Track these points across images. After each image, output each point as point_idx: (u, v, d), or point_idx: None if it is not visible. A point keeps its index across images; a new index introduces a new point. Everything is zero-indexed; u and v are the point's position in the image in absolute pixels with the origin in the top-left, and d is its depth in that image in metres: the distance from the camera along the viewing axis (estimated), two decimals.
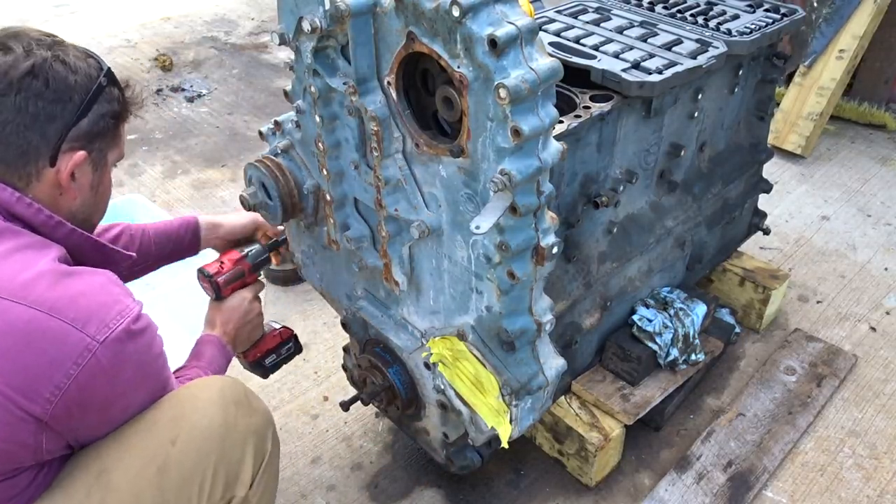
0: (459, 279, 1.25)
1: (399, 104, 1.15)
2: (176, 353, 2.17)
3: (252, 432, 1.23)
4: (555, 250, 1.14)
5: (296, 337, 1.67)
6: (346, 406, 1.60)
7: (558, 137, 1.28)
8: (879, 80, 3.25)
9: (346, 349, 1.71)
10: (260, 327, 1.57)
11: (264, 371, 1.64)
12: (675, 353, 1.80)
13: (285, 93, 1.35)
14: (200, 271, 1.50)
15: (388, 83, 1.14)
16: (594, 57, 1.56)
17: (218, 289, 1.49)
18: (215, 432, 1.17)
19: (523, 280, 1.15)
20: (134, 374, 1.08)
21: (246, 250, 1.55)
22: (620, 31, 1.71)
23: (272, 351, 1.62)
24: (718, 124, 1.89)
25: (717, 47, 1.63)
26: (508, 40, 0.94)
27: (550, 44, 1.63)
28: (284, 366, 1.68)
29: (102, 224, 1.37)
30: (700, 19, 1.79)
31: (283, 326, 1.66)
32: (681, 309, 1.83)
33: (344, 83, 1.19)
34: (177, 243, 1.62)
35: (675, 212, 1.84)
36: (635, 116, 1.57)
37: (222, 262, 1.51)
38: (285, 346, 1.65)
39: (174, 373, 1.27)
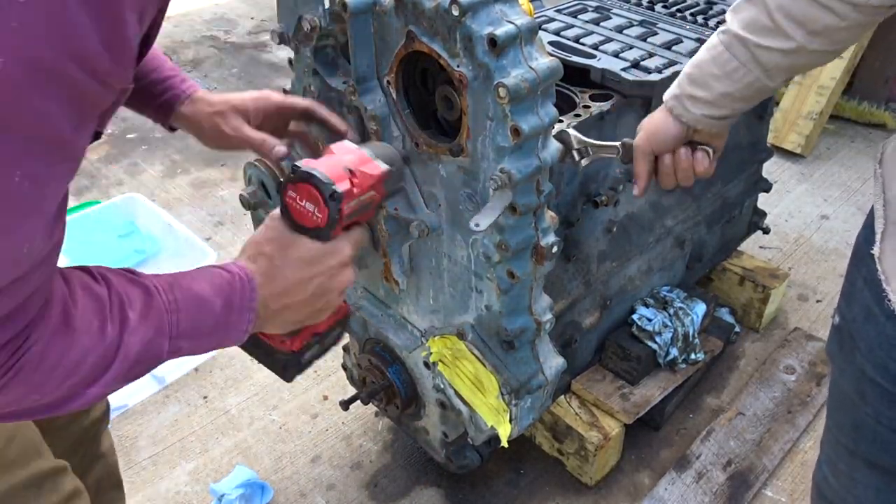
0: (459, 278, 1.25)
1: (398, 103, 1.15)
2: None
3: None
4: (554, 249, 1.14)
5: (347, 316, 1.04)
6: (345, 405, 1.60)
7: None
8: (879, 79, 3.25)
9: (345, 348, 1.71)
10: (331, 310, 0.90)
11: (298, 368, 0.97)
12: (674, 352, 1.80)
13: (285, 92, 1.35)
14: (312, 178, 0.81)
15: (388, 82, 1.14)
16: (594, 56, 1.56)
17: (333, 223, 0.83)
18: None
19: (523, 279, 1.15)
20: None
21: (367, 149, 0.92)
22: (620, 30, 1.71)
23: (318, 338, 0.97)
24: None
25: None
26: (508, 39, 0.94)
27: (550, 43, 1.63)
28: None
29: None
30: (700, 18, 1.79)
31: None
32: (680, 308, 1.83)
33: (344, 82, 1.19)
34: (148, 87, 1.05)
35: (675, 211, 1.84)
36: (635, 115, 1.57)
37: (353, 174, 0.86)
38: (334, 332, 1.00)
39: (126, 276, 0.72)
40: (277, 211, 0.86)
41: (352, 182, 0.85)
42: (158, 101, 1.08)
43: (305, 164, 0.83)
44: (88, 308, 0.66)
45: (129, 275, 0.72)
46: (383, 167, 0.90)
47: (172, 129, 1.16)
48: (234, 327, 0.77)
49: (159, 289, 0.72)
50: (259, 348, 0.93)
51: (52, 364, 0.63)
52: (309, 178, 0.81)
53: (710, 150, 1.09)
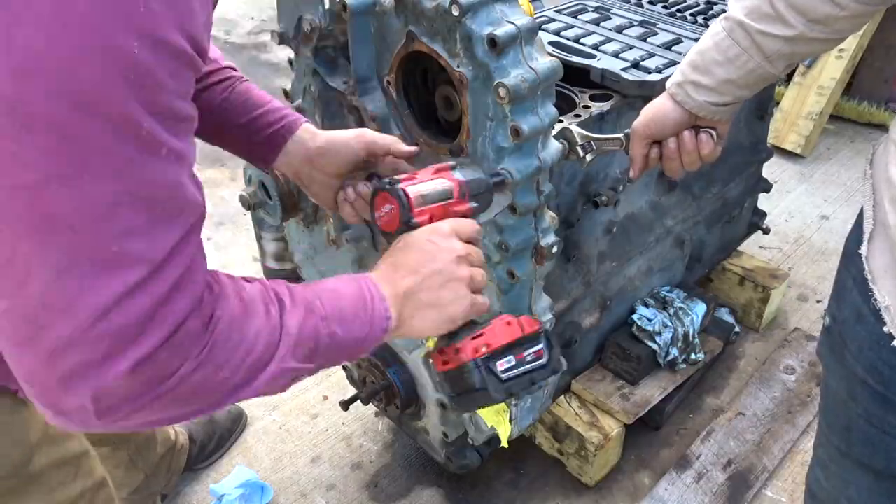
0: None
1: (398, 103, 1.15)
2: None
3: None
4: (554, 250, 1.14)
5: (549, 338, 0.95)
6: (345, 405, 1.60)
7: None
8: (879, 79, 3.25)
9: None
10: (466, 295, 0.86)
11: (497, 384, 0.88)
12: (674, 352, 1.80)
13: (285, 92, 1.35)
14: (377, 181, 0.90)
15: (388, 82, 1.14)
16: (594, 56, 1.56)
17: (407, 206, 0.86)
18: None
19: (523, 279, 1.15)
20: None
21: (452, 162, 0.97)
22: (620, 30, 1.71)
23: (507, 349, 0.90)
24: None
25: None
26: (508, 39, 0.94)
27: (550, 43, 1.63)
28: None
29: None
30: (700, 19, 1.79)
31: (523, 315, 0.96)
32: (680, 308, 1.83)
33: (344, 82, 1.19)
34: (249, 130, 1.06)
35: (675, 211, 1.84)
36: (635, 116, 1.55)
37: (415, 172, 0.92)
38: (532, 347, 0.91)
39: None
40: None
41: (414, 174, 0.90)
42: (264, 133, 1.07)
43: (378, 174, 0.93)
44: (254, 294, 0.74)
45: (266, 279, 0.81)
46: (444, 165, 0.94)
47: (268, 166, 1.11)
48: (377, 314, 0.82)
49: (294, 285, 0.80)
50: (463, 389, 0.91)
51: (235, 342, 0.69)
52: (379, 187, 0.89)
53: (714, 133, 1.09)
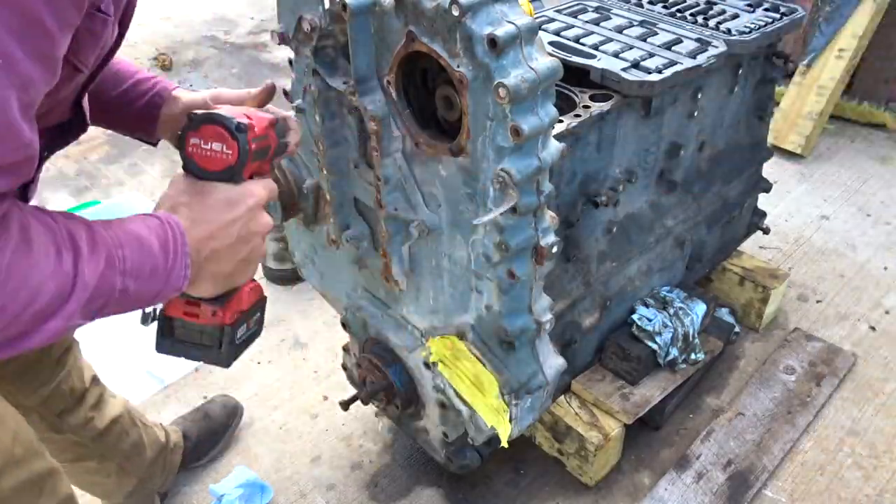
0: (459, 278, 1.25)
1: (398, 103, 1.15)
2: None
3: None
4: (554, 249, 1.14)
5: (265, 299, 0.98)
6: (345, 405, 1.60)
7: (558, 137, 1.28)
8: (879, 79, 3.25)
9: (345, 348, 1.71)
10: (254, 268, 0.88)
11: (231, 350, 0.90)
12: (674, 352, 1.80)
13: (285, 92, 1.35)
14: (213, 118, 0.81)
15: (388, 82, 1.14)
16: (594, 56, 1.56)
17: (244, 157, 0.82)
18: None
19: (523, 279, 1.15)
20: None
21: (273, 114, 0.95)
22: (620, 30, 1.71)
23: (246, 317, 0.92)
24: (718, 124, 1.90)
25: (716, 47, 1.63)
26: (508, 39, 0.94)
27: (550, 43, 1.63)
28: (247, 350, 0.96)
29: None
30: (700, 18, 1.79)
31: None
32: (680, 308, 1.83)
33: (344, 82, 1.19)
34: (122, 102, 1.04)
35: (675, 211, 1.84)
36: (635, 116, 1.57)
37: (248, 115, 0.86)
38: (256, 315, 0.95)
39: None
40: (180, 170, 0.84)
41: (249, 118, 0.84)
42: (141, 102, 1.06)
43: (218, 112, 0.83)
44: (42, 232, 0.66)
45: (66, 212, 0.72)
46: (271, 115, 0.91)
47: (155, 143, 1.14)
48: (175, 272, 0.76)
49: (97, 225, 0.72)
50: (189, 340, 0.88)
51: (16, 284, 0.62)
52: (212, 117, 0.81)
53: None
